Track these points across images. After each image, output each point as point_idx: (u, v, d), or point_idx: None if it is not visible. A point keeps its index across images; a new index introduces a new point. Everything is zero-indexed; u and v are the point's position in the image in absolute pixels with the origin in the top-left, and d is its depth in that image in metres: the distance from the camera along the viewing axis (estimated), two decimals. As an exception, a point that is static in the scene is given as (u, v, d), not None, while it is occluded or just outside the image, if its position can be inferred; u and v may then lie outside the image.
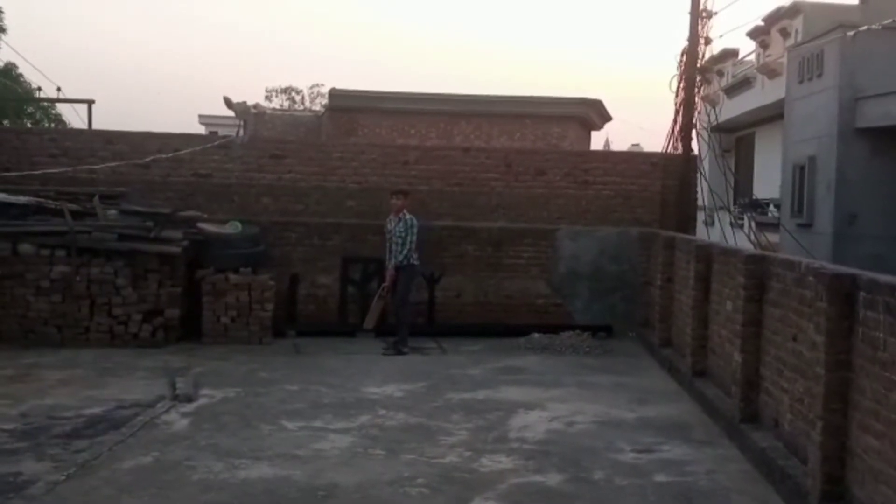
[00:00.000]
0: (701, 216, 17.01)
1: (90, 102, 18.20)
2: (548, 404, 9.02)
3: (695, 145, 14.84)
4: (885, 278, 5.46)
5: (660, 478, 6.80)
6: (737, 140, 23.56)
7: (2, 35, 29.18)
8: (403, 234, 11.73)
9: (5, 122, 28.34)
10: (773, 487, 6.58)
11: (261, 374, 10.14)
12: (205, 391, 9.16)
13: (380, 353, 11.57)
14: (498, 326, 13.04)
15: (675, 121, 14.87)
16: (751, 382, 7.83)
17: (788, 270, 7.19)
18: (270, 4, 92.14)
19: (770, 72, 19.10)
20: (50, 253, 11.28)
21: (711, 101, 19.61)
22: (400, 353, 11.50)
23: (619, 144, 41.91)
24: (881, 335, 5.34)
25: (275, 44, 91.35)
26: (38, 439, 7.36)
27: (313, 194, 13.53)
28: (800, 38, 17.15)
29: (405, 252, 11.73)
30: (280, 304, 12.34)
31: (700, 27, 14.60)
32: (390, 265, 11.84)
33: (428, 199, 13.71)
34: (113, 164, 13.00)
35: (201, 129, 34.37)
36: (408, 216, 11.84)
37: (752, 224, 16.85)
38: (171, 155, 13.18)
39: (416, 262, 11.91)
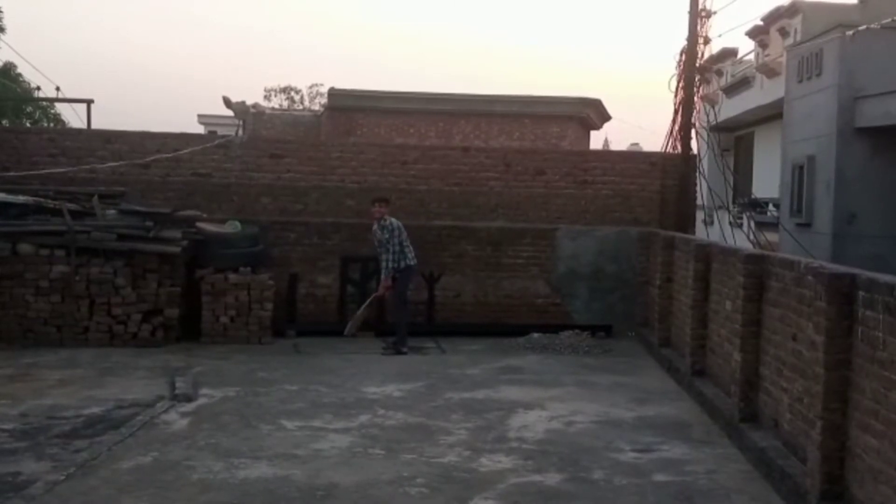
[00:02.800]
0: (700, 216, 17.02)
1: (89, 102, 18.16)
2: (547, 404, 9.03)
3: (694, 145, 14.85)
4: (884, 278, 5.47)
5: (659, 477, 6.80)
6: (736, 139, 23.57)
7: (1, 35, 29.17)
8: (388, 240, 11.63)
9: (4, 121, 28.32)
10: (773, 487, 6.58)
11: (260, 373, 10.14)
12: (204, 391, 9.16)
13: (379, 353, 11.58)
14: (497, 326, 13.05)
15: (674, 120, 14.88)
16: (750, 382, 7.83)
17: (787, 270, 7.20)
18: (270, 4, 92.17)
19: (769, 71, 19.11)
20: (49, 253, 11.27)
21: (710, 101, 19.61)
22: (399, 352, 11.50)
23: (619, 144, 42.02)
24: (880, 334, 5.34)
25: (274, 44, 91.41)
26: (37, 439, 7.35)
27: (312, 194, 13.53)
28: (799, 38, 17.15)
29: (395, 257, 11.64)
30: (279, 304, 12.33)
31: (699, 26, 14.62)
32: (385, 274, 11.73)
33: (427, 199, 13.72)
34: (112, 163, 12.99)
35: (200, 129, 34.38)
36: (387, 220, 11.70)
37: (752, 223, 16.85)
38: (170, 155, 13.17)
39: (412, 263, 11.85)
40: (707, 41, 14.82)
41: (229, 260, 11.90)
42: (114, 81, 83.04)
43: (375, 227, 11.87)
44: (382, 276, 11.83)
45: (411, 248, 11.83)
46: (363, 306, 12.08)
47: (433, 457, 7.15)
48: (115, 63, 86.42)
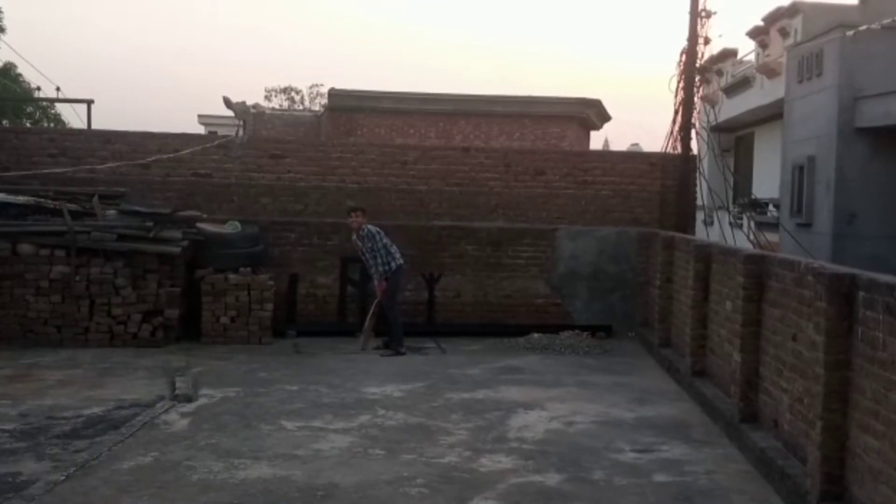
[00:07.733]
0: (700, 216, 17.02)
1: (89, 102, 18.16)
2: (547, 404, 9.02)
3: (694, 145, 14.86)
4: (884, 278, 5.46)
5: (659, 477, 6.81)
6: (736, 140, 23.56)
7: (1, 35, 29.19)
8: (371, 248, 11.57)
9: (5, 121, 28.33)
10: (773, 487, 6.58)
11: (260, 374, 10.14)
12: (204, 391, 9.16)
13: (379, 354, 11.56)
14: (497, 326, 13.04)
15: (674, 120, 14.89)
16: (750, 382, 7.83)
17: (788, 270, 7.20)
18: (270, 4, 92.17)
19: (769, 71, 19.10)
20: (49, 253, 11.27)
21: (711, 101, 19.61)
22: (398, 353, 11.48)
23: (619, 144, 42.05)
24: (880, 335, 5.34)
25: (275, 44, 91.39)
26: (37, 439, 7.35)
27: (312, 194, 13.54)
28: (799, 38, 17.14)
29: (384, 261, 11.55)
30: (279, 304, 12.33)
31: (699, 27, 14.62)
32: (378, 280, 11.67)
33: (427, 199, 13.73)
34: (112, 164, 13.00)
35: (201, 129, 34.37)
36: (364, 230, 11.60)
37: (752, 224, 16.85)
38: (170, 155, 13.18)
39: (400, 262, 11.71)
40: (707, 41, 14.83)
41: (229, 260, 11.90)
42: (114, 81, 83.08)
43: (354, 237, 11.80)
44: (375, 282, 11.77)
45: (395, 247, 11.70)
46: (368, 318, 11.95)
47: (433, 457, 7.16)
48: (115, 63, 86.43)
